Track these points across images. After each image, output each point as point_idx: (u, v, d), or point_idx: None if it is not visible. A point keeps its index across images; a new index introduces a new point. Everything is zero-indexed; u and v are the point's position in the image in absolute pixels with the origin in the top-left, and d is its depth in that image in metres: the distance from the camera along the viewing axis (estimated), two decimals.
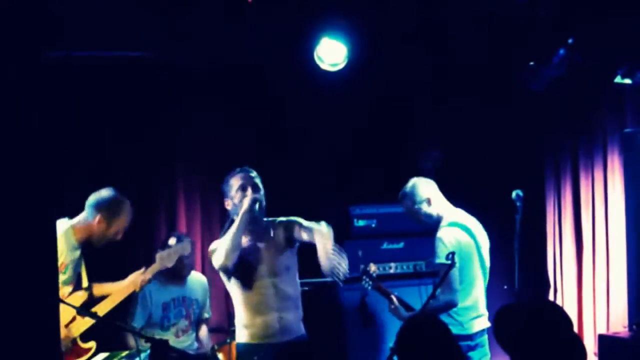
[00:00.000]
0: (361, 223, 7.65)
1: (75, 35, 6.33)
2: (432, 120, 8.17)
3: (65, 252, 5.77)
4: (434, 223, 6.44)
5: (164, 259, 6.33)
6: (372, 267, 7.06)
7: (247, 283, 5.76)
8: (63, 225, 5.87)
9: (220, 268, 5.72)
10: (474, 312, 6.33)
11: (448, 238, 6.22)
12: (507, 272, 6.60)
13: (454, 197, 6.56)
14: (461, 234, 6.30)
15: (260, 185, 5.84)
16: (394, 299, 6.41)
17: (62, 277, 5.71)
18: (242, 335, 5.82)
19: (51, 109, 3.53)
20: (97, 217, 5.95)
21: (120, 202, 6.05)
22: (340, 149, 7.91)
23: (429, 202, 6.41)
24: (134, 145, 7.43)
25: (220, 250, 5.68)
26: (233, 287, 5.83)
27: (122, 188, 6.56)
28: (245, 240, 5.76)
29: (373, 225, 7.69)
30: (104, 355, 5.85)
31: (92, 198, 6.01)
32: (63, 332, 5.71)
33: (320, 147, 7.86)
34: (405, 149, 8.13)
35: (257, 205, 5.72)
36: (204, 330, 7.21)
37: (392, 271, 7.65)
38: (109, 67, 7.18)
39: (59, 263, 5.68)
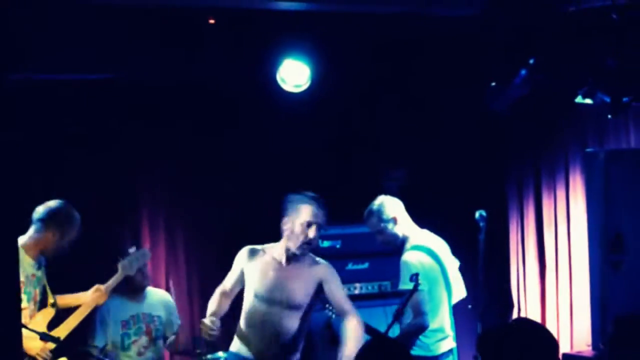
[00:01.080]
0: (326, 244, 7.56)
1: (36, 59, 6.35)
2: (396, 140, 8.16)
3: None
4: (398, 244, 6.40)
5: (125, 268, 6.38)
6: None
7: (255, 301, 5.82)
8: None
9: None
10: (440, 334, 6.31)
11: (413, 262, 6.18)
12: (471, 291, 6.59)
13: (418, 216, 6.54)
14: (425, 257, 6.27)
15: (324, 223, 5.87)
16: None
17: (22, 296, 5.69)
18: (235, 345, 5.91)
19: (12, 129, 3.51)
20: (50, 230, 5.94)
21: (71, 212, 6.06)
22: (304, 169, 7.76)
23: (395, 221, 6.38)
24: (95, 162, 7.42)
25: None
26: (246, 295, 5.91)
27: (84, 204, 6.60)
28: (275, 261, 5.86)
29: (338, 246, 7.65)
30: None
31: (42, 211, 6.00)
32: (40, 344, 5.71)
33: (284, 167, 7.76)
34: (369, 169, 8.08)
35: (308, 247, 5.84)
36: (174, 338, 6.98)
37: (357, 292, 7.60)
38: (71, 86, 7.18)
39: None
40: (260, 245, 5.98)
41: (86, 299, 6.19)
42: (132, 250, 6.58)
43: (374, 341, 4.87)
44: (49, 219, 5.96)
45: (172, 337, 6.84)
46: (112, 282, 6.29)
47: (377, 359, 4.22)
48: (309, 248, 5.82)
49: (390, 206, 6.43)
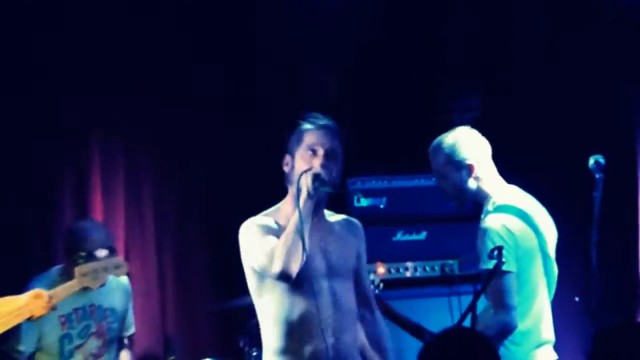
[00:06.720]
0: (364, 202, 6.64)
1: None
2: (470, 55, 7.14)
3: None
4: (468, 200, 5.27)
5: (85, 278, 5.19)
6: (380, 269, 6.59)
7: (290, 286, 4.83)
8: None
9: (279, 276, 4.73)
10: (535, 338, 5.14)
11: (496, 229, 5.00)
12: (578, 276, 5.94)
13: (499, 165, 5.27)
14: (516, 223, 5.05)
15: (339, 151, 4.84)
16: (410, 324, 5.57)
17: None
18: None
19: None
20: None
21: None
22: (337, 98, 6.88)
23: (470, 169, 5.16)
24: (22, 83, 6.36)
25: (280, 251, 4.75)
26: (268, 294, 4.86)
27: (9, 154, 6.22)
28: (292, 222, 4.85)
29: (381, 206, 6.66)
30: None
31: None
32: None
33: (311, 96, 6.82)
34: (430, 97, 7.17)
35: (318, 185, 4.73)
36: (125, 356, 6.12)
37: (409, 274, 6.65)
38: None
39: None
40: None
41: (20, 306, 5.12)
42: (101, 254, 5.51)
43: (449, 332, 4.13)
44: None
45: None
46: (62, 291, 5.14)
47: (455, 354, 3.66)
48: (321, 185, 4.71)
49: (469, 146, 5.20)
